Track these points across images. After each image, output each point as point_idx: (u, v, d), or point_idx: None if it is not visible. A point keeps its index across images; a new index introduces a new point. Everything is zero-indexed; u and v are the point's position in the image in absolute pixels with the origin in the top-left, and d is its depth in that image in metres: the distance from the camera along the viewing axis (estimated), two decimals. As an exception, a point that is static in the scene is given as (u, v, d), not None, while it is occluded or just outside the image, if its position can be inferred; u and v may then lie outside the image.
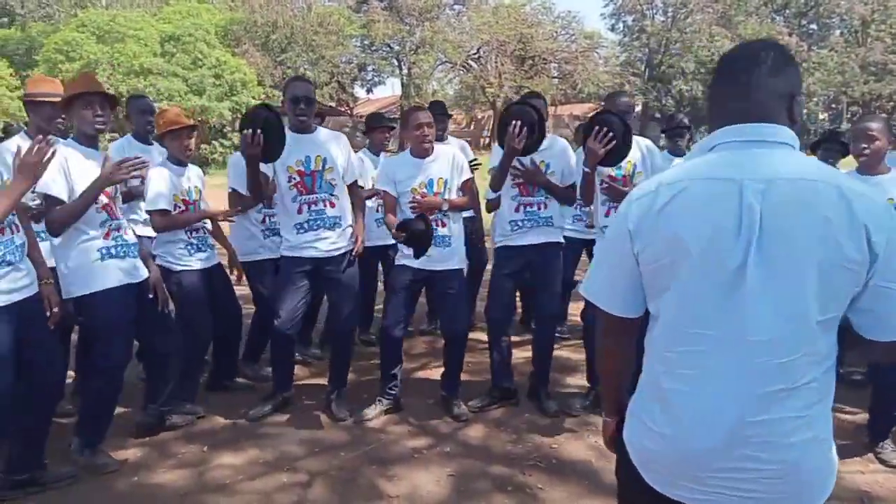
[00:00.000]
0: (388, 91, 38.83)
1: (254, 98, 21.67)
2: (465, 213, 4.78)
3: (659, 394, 1.28)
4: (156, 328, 3.12)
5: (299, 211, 3.38)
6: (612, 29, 34.50)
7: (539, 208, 3.54)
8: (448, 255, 3.48)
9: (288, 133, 3.27)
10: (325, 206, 3.39)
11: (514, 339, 3.85)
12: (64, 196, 2.71)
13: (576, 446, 3.18)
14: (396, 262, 3.53)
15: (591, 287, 1.41)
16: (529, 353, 3.77)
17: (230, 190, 3.80)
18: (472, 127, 32.03)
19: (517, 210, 3.54)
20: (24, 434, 2.70)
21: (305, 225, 3.39)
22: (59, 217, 2.71)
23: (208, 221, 3.65)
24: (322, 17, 26.47)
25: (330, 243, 3.41)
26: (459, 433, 3.32)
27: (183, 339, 3.34)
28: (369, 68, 30.93)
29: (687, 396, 1.23)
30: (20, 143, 2.48)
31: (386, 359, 3.56)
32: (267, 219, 4.00)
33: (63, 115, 3.22)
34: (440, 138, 4.64)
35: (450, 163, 3.49)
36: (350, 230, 3.50)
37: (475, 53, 30.10)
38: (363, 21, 28.13)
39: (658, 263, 1.25)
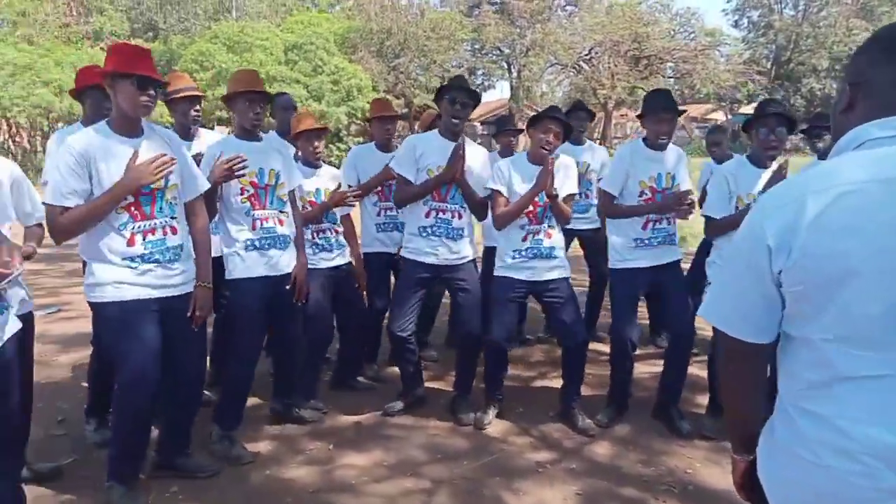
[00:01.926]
0: (497, 94, 38.87)
1: (368, 103, 22.38)
2: (592, 225, 4.66)
3: (822, 423, 1.08)
4: (288, 320, 3.23)
5: (427, 215, 3.39)
6: (736, 25, 32.69)
7: (667, 223, 3.43)
8: (553, 266, 3.37)
9: (437, 137, 3.39)
10: (452, 216, 3.40)
11: (638, 352, 3.66)
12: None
13: (714, 473, 2.96)
14: (497, 273, 3.45)
15: (716, 310, 1.23)
16: (653, 368, 3.57)
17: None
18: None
19: (644, 227, 3.39)
20: (169, 424, 2.87)
21: (429, 229, 3.40)
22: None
23: (339, 223, 3.71)
24: (434, 23, 26.91)
25: (451, 252, 3.40)
26: (585, 449, 3.19)
27: (305, 336, 3.44)
28: (479, 72, 31.08)
29: (863, 425, 1.03)
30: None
31: (493, 367, 3.50)
32: (382, 212, 4.04)
33: (197, 107, 3.46)
34: (578, 141, 4.55)
35: (560, 174, 3.36)
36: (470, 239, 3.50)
37: (587, 54, 29.47)
38: (474, 25, 28.32)
39: (809, 283, 1.06)
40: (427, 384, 3.81)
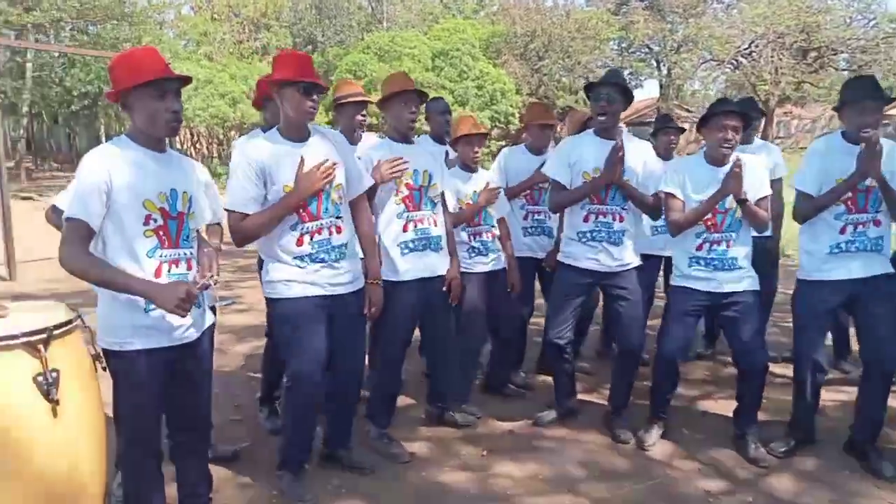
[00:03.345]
0: (645, 93, 37.31)
1: (512, 106, 22.41)
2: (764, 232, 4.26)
3: None
4: (442, 323, 3.25)
5: (585, 219, 3.26)
6: (928, 8, 28.76)
7: (873, 226, 2.97)
8: (738, 277, 3.08)
9: (592, 138, 3.27)
10: (613, 218, 3.24)
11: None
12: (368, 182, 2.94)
13: (924, 524, 2.56)
14: (675, 283, 3.21)
15: None
16: (838, 395, 3.17)
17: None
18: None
19: (843, 231, 2.97)
20: (331, 418, 2.97)
21: (589, 234, 3.26)
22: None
23: (496, 226, 3.68)
24: (580, 23, 26.37)
25: (613, 258, 3.24)
26: (762, 481, 2.89)
27: (459, 339, 3.44)
28: (626, 71, 29.97)
29: None
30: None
31: (661, 384, 3.28)
32: (529, 216, 3.95)
33: (364, 112, 3.55)
34: (747, 140, 4.19)
35: (753, 175, 3.06)
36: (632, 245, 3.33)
37: (746, 49, 27.38)
38: (622, 23, 27.39)
39: None
40: (579, 396, 3.67)
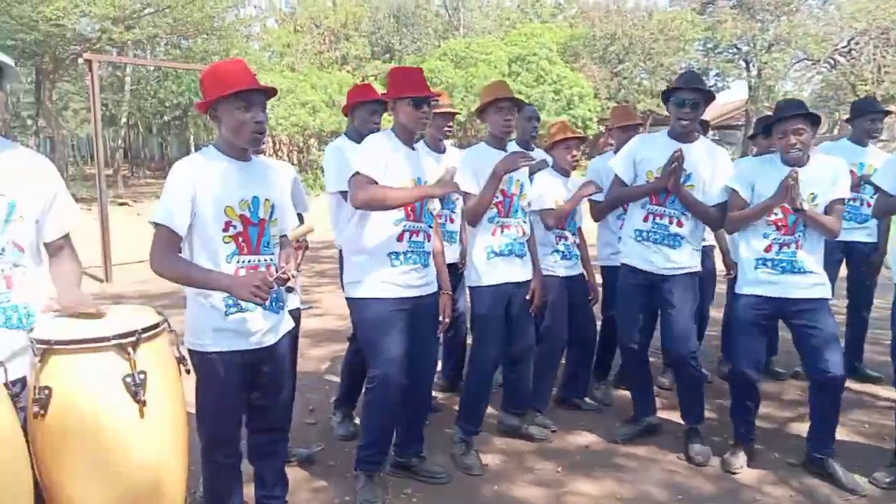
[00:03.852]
0: (732, 95, 35.81)
1: (590, 111, 22.01)
2: (869, 238, 3.99)
3: None
4: (524, 329, 3.20)
5: (644, 219, 3.19)
6: None
7: None
8: (808, 284, 2.89)
9: (664, 139, 3.18)
10: (670, 221, 3.14)
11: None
12: (475, 192, 3.01)
13: None
14: (740, 292, 3.02)
15: None
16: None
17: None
18: (836, 132, 27.48)
19: None
20: (404, 424, 2.95)
21: (645, 234, 3.18)
22: (474, 207, 3.03)
23: (577, 234, 3.66)
24: (663, 24, 25.62)
25: (668, 260, 3.12)
26: (863, 514, 2.67)
27: (538, 346, 3.37)
28: (712, 73, 28.86)
29: None
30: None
31: (741, 403, 3.09)
32: (558, 240, 3.82)
33: (450, 123, 3.64)
34: (861, 141, 3.95)
35: (826, 177, 2.88)
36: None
37: (845, 46, 25.78)
38: (707, 23, 26.39)
39: None
40: (660, 413, 3.51)
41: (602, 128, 22.76)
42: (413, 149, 2.76)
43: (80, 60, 16.38)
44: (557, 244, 3.53)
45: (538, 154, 3.84)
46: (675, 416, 3.60)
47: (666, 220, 3.14)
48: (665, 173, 3.05)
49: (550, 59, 22.92)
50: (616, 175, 3.30)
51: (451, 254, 3.50)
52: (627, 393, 3.65)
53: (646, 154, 3.20)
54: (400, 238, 2.66)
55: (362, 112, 3.24)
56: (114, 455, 1.79)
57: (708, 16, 26.69)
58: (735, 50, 28.06)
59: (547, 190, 3.47)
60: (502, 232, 3.10)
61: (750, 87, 27.61)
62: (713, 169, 3.12)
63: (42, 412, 1.75)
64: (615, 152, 3.89)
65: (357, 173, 2.56)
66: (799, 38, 25.06)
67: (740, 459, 3.05)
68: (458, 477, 2.98)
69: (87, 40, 17.73)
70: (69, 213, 2.10)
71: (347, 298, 2.75)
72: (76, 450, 1.77)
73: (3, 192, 1.87)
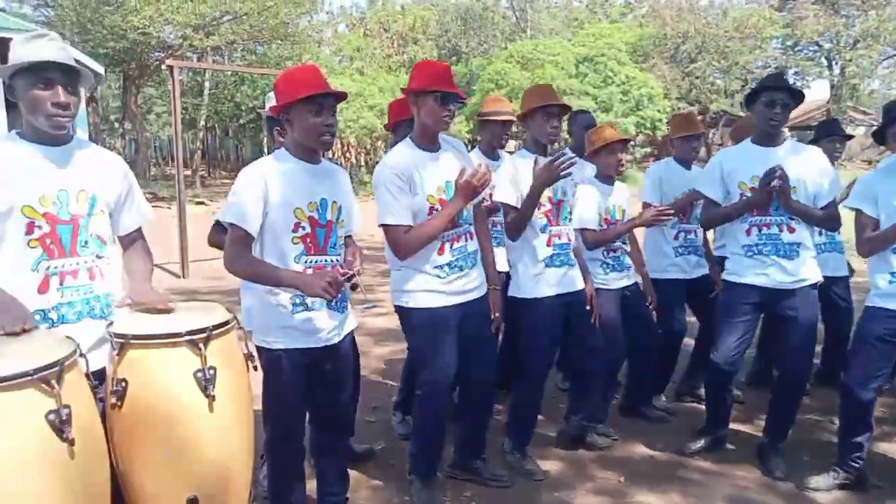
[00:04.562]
0: (812, 94, 34.05)
1: (659, 112, 21.45)
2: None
3: None
4: (584, 341, 3.13)
5: (747, 232, 2.99)
6: None
7: None
8: None
9: (751, 147, 3.02)
10: (780, 230, 2.94)
11: None
12: (514, 202, 2.90)
13: None
14: (871, 304, 2.83)
15: None
16: None
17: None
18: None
19: None
20: (463, 428, 2.95)
21: (755, 248, 2.98)
22: (514, 221, 2.92)
23: (628, 241, 3.53)
24: (739, 21, 24.69)
25: (786, 273, 2.92)
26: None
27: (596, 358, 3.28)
28: (791, 71, 27.60)
29: None
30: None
31: (850, 423, 2.88)
32: (681, 235, 3.70)
33: (508, 131, 3.54)
34: None
35: None
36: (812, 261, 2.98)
37: (940, 41, 24.15)
38: (787, 20, 25.26)
39: None
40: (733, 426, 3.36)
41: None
42: (435, 150, 2.63)
43: (163, 66, 17.24)
44: (606, 257, 3.41)
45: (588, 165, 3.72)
46: (748, 429, 3.46)
47: (775, 229, 2.94)
48: (762, 187, 2.83)
49: (619, 60, 22.49)
50: (706, 197, 3.14)
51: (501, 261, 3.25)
52: (695, 403, 3.51)
53: (733, 166, 3.02)
54: (441, 251, 2.58)
55: (404, 130, 3.14)
56: (184, 447, 1.87)
57: (787, 12, 25.59)
58: (816, 47, 26.78)
59: (588, 206, 3.31)
60: (553, 241, 2.99)
61: (832, 86, 26.27)
62: (809, 169, 2.93)
63: (119, 403, 1.85)
64: (677, 161, 3.76)
65: (388, 227, 2.52)
66: (889, 34, 23.66)
67: (827, 482, 2.86)
68: (519, 482, 2.95)
69: (170, 47, 18.68)
70: (142, 208, 2.22)
71: (396, 306, 2.74)
72: (148, 440, 1.86)
73: (86, 187, 1.99)
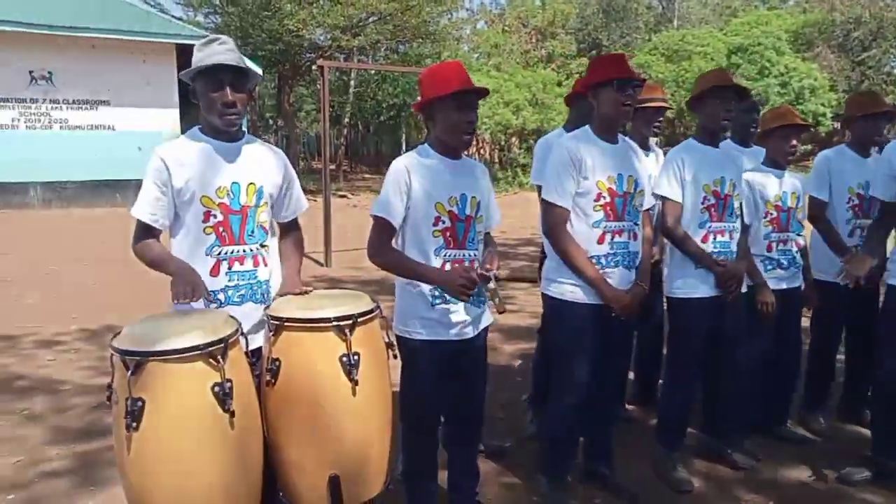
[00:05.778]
0: None
1: (823, 105, 19.58)
2: None
3: None
4: (725, 346, 2.93)
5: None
6: None
7: None
8: None
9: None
10: None
11: None
12: (678, 198, 2.83)
13: None
14: None
15: None
16: None
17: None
18: None
19: None
20: (589, 432, 2.85)
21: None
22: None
23: (803, 234, 3.24)
24: (924, 3, 21.90)
25: None
26: None
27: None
28: None
29: None
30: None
31: None
32: (857, 231, 3.32)
33: (660, 119, 3.44)
34: None
35: None
36: None
37: None
38: None
39: None
40: None
41: (836, 125, 20.05)
42: (615, 142, 2.58)
43: (314, 67, 18.38)
44: (771, 251, 3.13)
45: (755, 152, 3.45)
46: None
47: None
48: None
49: (778, 49, 20.78)
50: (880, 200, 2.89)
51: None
52: (847, 426, 3.16)
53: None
54: (601, 240, 2.50)
55: (582, 106, 3.09)
56: (328, 426, 1.97)
57: None
58: None
59: (752, 191, 3.08)
60: (714, 238, 2.84)
61: None
62: None
63: (272, 381, 1.99)
64: (856, 147, 3.38)
65: (548, 204, 2.52)
66: None
67: None
68: (654, 494, 2.82)
69: (320, 48, 19.84)
70: (300, 199, 2.36)
71: (543, 293, 2.69)
72: (296, 417, 1.98)
73: (254, 180, 2.16)
